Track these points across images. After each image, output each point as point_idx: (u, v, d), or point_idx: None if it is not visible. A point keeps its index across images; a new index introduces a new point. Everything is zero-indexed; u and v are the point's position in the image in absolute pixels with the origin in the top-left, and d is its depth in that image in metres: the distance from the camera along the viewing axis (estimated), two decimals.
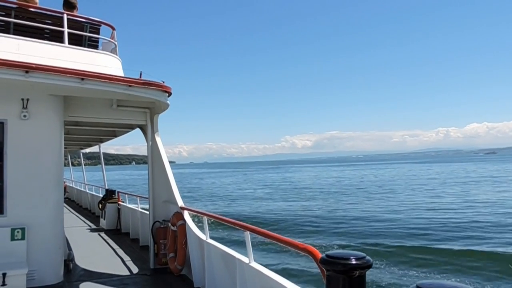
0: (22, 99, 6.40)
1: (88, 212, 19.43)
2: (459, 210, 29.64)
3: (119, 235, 12.75)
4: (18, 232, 6.18)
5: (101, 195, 16.72)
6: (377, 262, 15.56)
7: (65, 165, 7.90)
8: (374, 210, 30.85)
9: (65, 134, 7.39)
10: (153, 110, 8.57)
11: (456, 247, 18.03)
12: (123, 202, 14.10)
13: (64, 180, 8.96)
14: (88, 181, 21.67)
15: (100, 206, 14.85)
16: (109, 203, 14.10)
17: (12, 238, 6.14)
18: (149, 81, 7.24)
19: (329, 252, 2.46)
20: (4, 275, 5.61)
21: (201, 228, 7.03)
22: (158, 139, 8.59)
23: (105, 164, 19.51)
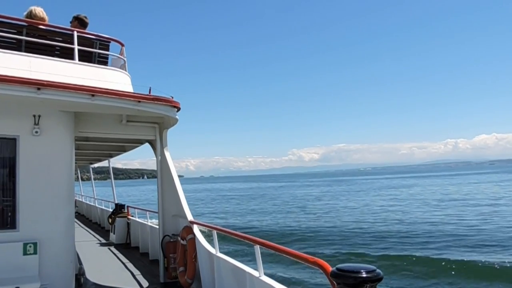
0: (34, 116, 6.48)
1: (97, 226, 19.49)
2: None
3: (128, 249, 12.77)
4: (30, 246, 6.22)
5: (110, 210, 16.80)
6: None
7: (75, 180, 7.98)
8: None
9: (75, 149, 7.46)
10: (162, 125, 8.65)
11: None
12: (132, 216, 14.16)
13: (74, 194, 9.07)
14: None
15: (110, 220, 14.91)
16: (118, 217, 14.16)
17: (25, 253, 6.18)
18: (158, 96, 7.32)
19: (340, 266, 2.47)
20: None
21: (211, 242, 7.03)
22: (167, 154, 8.66)
23: (115, 178, 19.62)
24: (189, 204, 8.22)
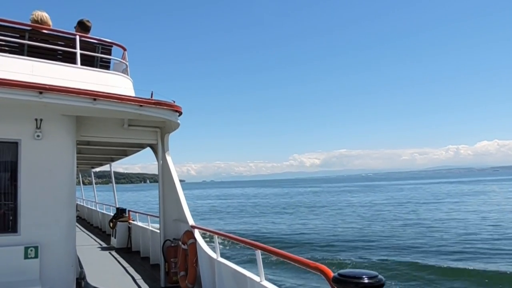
0: (36, 119, 6.48)
1: (99, 230, 19.48)
2: None
3: (129, 253, 12.75)
4: (31, 250, 6.21)
5: (111, 214, 16.78)
6: None
7: (76, 184, 7.96)
8: None
9: (77, 153, 7.46)
10: (163, 129, 8.65)
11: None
12: (133, 220, 14.14)
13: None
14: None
15: (111, 224, 14.90)
16: (119, 221, 14.15)
17: (26, 257, 6.17)
18: (160, 101, 7.33)
19: (342, 271, 2.45)
20: None
21: (212, 247, 7.02)
22: (168, 158, 8.66)
23: (116, 183, 19.63)
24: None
